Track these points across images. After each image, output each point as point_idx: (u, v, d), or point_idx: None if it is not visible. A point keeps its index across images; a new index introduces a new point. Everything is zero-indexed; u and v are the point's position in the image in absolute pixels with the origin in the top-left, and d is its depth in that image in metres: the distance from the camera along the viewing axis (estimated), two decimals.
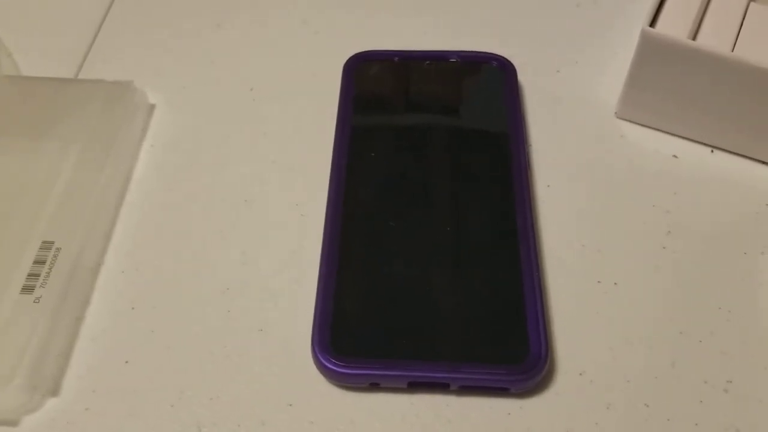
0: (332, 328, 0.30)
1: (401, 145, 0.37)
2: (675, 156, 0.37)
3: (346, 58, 0.40)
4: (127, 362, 0.30)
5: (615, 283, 0.32)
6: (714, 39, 0.36)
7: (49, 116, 0.37)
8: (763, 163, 0.37)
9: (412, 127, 0.37)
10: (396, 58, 0.40)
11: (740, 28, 0.36)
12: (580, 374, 0.30)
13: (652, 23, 0.36)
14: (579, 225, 0.34)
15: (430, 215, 0.33)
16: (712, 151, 0.37)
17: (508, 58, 0.40)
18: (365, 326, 0.30)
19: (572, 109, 0.39)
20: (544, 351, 0.29)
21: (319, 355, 0.29)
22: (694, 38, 0.36)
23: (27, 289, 0.31)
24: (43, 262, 0.32)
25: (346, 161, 0.35)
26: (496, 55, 0.40)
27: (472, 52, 0.40)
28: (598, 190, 0.36)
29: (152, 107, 0.40)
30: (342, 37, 0.43)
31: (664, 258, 0.33)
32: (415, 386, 0.29)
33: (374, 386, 0.29)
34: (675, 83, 0.36)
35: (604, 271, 0.33)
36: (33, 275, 0.31)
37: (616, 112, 0.39)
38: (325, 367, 0.29)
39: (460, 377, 0.29)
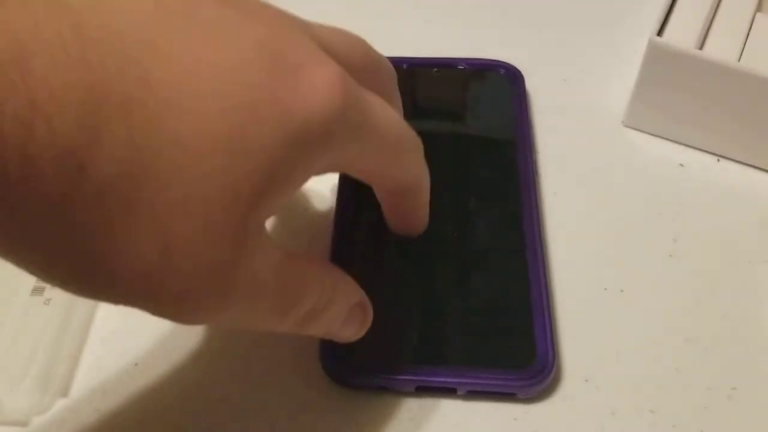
0: None
1: None
2: (681, 165, 0.37)
3: None
4: (136, 364, 0.31)
5: (621, 290, 0.33)
6: (721, 49, 0.36)
7: None
8: None
9: (419, 133, 0.37)
10: (404, 65, 0.40)
11: (747, 38, 0.37)
12: (586, 380, 0.30)
13: (660, 32, 0.36)
14: (586, 232, 0.35)
15: (437, 221, 0.33)
16: (718, 160, 0.37)
17: (516, 66, 0.40)
18: (373, 331, 0.30)
19: (579, 117, 0.39)
20: (550, 357, 0.29)
21: (327, 359, 0.29)
22: (701, 48, 0.36)
23: (37, 291, 0.31)
24: None
25: None
26: (504, 62, 0.40)
27: (479, 59, 0.40)
28: (605, 198, 0.36)
29: None
30: None
31: (670, 266, 0.33)
32: (422, 391, 0.29)
33: (382, 390, 0.29)
34: (682, 92, 0.36)
35: (611, 279, 0.33)
36: None
37: (623, 121, 0.39)
38: (333, 370, 0.29)
39: (468, 382, 0.29)
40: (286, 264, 0.23)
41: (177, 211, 0.19)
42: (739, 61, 0.36)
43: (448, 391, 0.29)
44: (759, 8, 0.39)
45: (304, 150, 0.21)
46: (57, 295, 0.31)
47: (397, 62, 0.40)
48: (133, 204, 0.18)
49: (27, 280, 0.31)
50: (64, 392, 0.30)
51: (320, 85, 0.21)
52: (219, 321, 0.22)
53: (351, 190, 0.34)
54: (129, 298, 0.20)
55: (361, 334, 0.28)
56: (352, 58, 0.25)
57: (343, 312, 0.26)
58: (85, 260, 0.19)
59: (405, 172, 0.27)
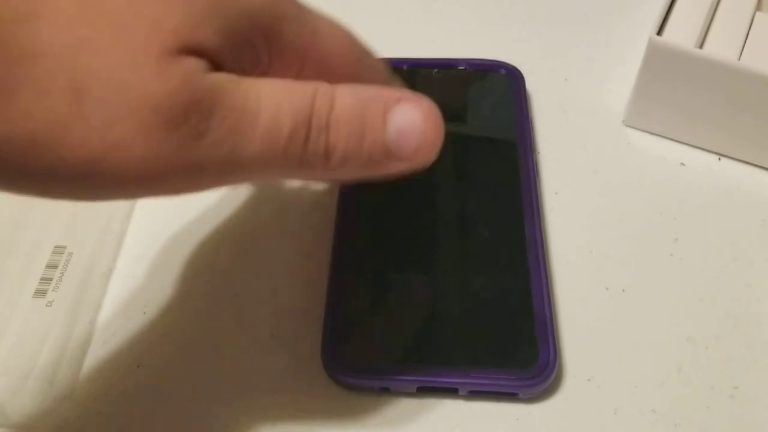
0: (342, 333, 0.30)
1: None
2: (682, 163, 0.37)
3: None
4: (138, 366, 0.31)
5: (623, 290, 0.33)
6: (721, 47, 0.36)
7: None
8: None
9: None
10: (405, 66, 0.40)
11: (747, 37, 0.37)
12: (588, 380, 0.30)
13: (660, 32, 0.36)
14: (587, 232, 0.35)
15: (438, 221, 0.34)
16: (719, 159, 0.37)
17: (517, 66, 0.40)
18: (375, 331, 0.30)
19: (580, 117, 0.39)
20: (552, 357, 0.29)
21: (329, 360, 0.29)
22: (701, 47, 0.36)
23: (39, 293, 0.31)
24: (56, 267, 0.32)
25: None
26: (505, 63, 0.40)
27: (480, 60, 0.40)
28: (606, 198, 0.36)
29: None
30: None
31: (671, 265, 0.33)
32: (424, 391, 0.29)
33: (384, 391, 0.29)
34: (682, 91, 0.36)
35: (612, 278, 0.33)
36: (45, 279, 0.32)
37: (623, 120, 0.39)
38: (335, 371, 0.29)
39: (469, 382, 0.29)
40: (236, 82, 0.20)
41: (85, 46, 0.17)
42: (739, 60, 0.36)
43: (450, 392, 0.29)
44: (758, 7, 0.38)
45: None
46: (59, 297, 0.31)
47: (397, 63, 0.41)
48: (35, 45, 0.17)
49: (30, 282, 0.31)
50: (67, 395, 0.30)
51: None
52: (195, 166, 0.19)
53: (351, 194, 0.35)
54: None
55: (429, 124, 0.24)
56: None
57: (356, 113, 0.22)
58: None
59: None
